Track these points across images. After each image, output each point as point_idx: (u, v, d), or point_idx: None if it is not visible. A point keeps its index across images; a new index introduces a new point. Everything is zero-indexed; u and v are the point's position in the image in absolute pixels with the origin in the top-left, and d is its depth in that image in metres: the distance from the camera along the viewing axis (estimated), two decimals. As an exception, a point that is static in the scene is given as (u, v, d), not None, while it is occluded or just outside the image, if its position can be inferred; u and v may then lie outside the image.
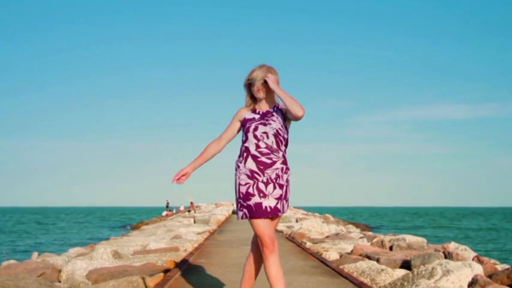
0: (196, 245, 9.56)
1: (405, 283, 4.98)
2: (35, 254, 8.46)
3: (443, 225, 45.20)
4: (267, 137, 3.35)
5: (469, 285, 5.13)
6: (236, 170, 3.40)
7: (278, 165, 3.34)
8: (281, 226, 15.11)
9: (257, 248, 3.43)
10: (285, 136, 3.42)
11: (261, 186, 3.29)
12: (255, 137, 3.37)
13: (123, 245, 9.38)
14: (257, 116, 3.45)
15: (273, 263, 3.29)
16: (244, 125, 3.45)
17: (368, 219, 55.24)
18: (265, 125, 3.38)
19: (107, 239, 13.77)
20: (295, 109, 3.22)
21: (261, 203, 3.26)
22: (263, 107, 3.48)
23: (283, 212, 3.39)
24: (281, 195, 3.33)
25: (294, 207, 39.34)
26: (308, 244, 9.58)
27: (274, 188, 3.30)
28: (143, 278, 5.11)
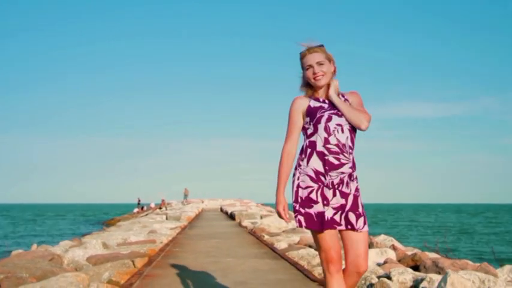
0: (170, 238, 11.20)
1: (328, 263, 6.79)
2: (35, 245, 9.93)
3: (400, 219, 47.92)
4: (342, 131, 2.75)
5: (382, 265, 6.96)
6: (296, 168, 2.82)
7: (346, 169, 2.74)
8: (246, 222, 16.87)
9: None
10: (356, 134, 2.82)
11: (326, 191, 2.72)
12: (326, 129, 2.74)
13: (107, 238, 10.94)
14: (325, 105, 2.82)
15: (339, 284, 2.70)
16: (313, 114, 2.80)
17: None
18: (339, 116, 2.76)
19: (90, 233, 15.26)
20: (356, 121, 2.73)
21: (323, 212, 2.70)
22: (324, 95, 2.87)
23: (356, 229, 2.73)
24: (342, 205, 2.73)
25: (262, 205, 41.15)
26: (266, 237, 11.32)
27: (334, 195, 2.73)
28: (133, 261, 6.75)
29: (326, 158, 2.73)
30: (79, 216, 60.79)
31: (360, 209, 2.77)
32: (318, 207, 2.71)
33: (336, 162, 2.72)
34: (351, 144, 2.77)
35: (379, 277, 5.57)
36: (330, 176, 2.72)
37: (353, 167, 2.78)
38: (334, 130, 2.74)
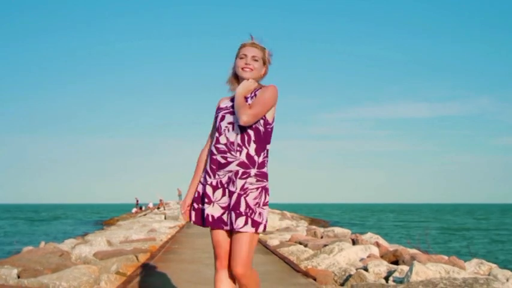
0: (169, 236, 11.87)
1: (314, 258, 7.44)
2: (43, 243, 10.55)
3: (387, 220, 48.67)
4: (232, 129, 2.75)
5: (365, 259, 7.62)
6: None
7: (233, 167, 2.71)
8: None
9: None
10: (259, 128, 2.75)
11: (208, 190, 2.76)
12: (219, 129, 2.80)
13: (110, 236, 11.60)
14: (230, 104, 2.85)
15: (221, 280, 2.86)
16: (215, 114, 2.90)
17: (329, 216, 58.29)
18: (233, 114, 2.77)
19: (92, 232, 15.91)
20: (237, 116, 2.69)
21: (203, 210, 2.78)
22: None
23: (240, 229, 2.65)
24: (228, 205, 2.71)
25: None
26: (260, 235, 12.01)
27: (223, 195, 2.73)
28: (136, 256, 7.40)
29: (214, 157, 2.77)
30: (77, 216, 61.34)
31: (243, 208, 2.68)
32: (205, 205, 2.77)
33: (222, 161, 2.74)
34: (240, 142, 2.73)
35: (357, 269, 6.24)
36: (218, 175, 2.75)
37: (243, 165, 2.73)
38: (225, 129, 2.78)
